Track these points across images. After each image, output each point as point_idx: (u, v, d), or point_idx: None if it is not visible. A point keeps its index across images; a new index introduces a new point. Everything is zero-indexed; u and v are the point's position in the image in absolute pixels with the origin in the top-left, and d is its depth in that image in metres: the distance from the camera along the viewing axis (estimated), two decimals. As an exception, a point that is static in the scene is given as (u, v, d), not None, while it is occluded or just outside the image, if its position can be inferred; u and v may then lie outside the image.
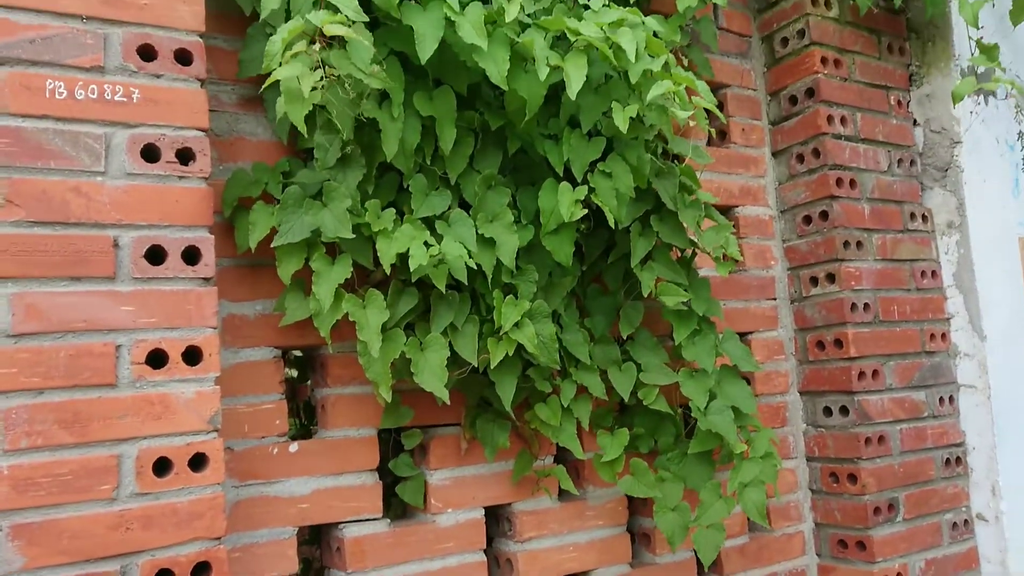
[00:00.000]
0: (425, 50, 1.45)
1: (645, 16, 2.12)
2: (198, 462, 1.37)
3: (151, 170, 1.40)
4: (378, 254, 1.51)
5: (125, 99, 1.40)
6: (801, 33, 2.36)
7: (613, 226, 1.68)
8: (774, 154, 2.46)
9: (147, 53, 1.42)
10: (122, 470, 1.32)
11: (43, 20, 1.35)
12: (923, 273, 2.45)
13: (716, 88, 2.39)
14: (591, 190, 1.65)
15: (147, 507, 1.32)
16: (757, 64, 2.48)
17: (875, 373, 2.28)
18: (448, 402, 1.55)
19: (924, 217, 2.49)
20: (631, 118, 1.61)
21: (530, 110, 1.56)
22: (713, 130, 2.03)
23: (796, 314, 2.39)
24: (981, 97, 2.54)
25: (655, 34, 2.03)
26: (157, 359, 1.37)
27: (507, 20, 1.47)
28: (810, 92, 2.34)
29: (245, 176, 1.59)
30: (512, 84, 1.54)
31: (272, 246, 1.51)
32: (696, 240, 1.90)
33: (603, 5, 1.65)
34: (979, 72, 2.47)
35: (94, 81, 1.38)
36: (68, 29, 1.36)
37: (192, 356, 1.39)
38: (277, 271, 1.54)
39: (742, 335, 2.30)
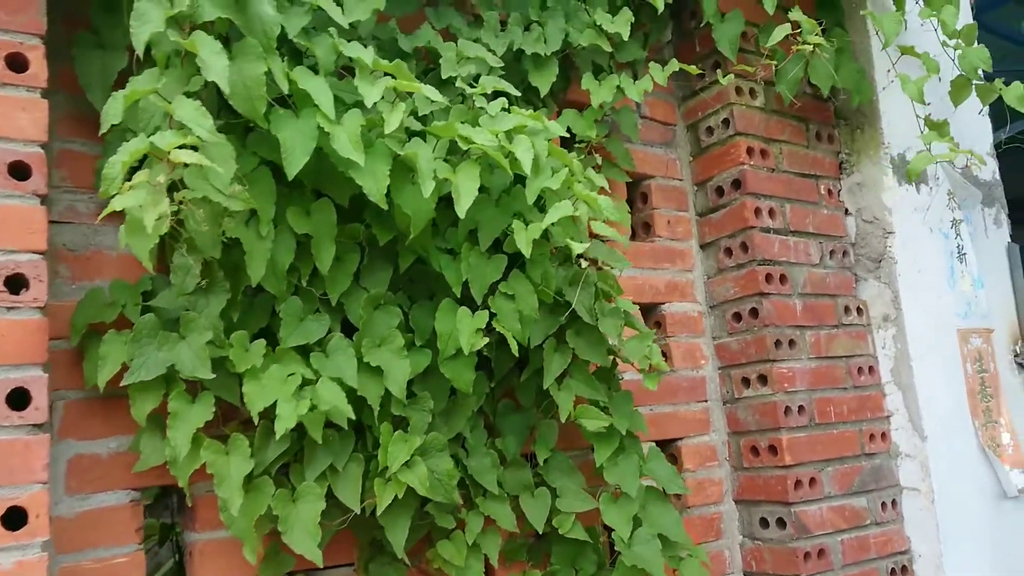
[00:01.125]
0: (293, 164, 1.29)
1: (561, 109, 2.03)
2: (16, 648, 1.16)
3: (-30, 303, 1.22)
4: (244, 399, 1.33)
5: (-57, 221, 1.22)
6: (726, 123, 2.27)
7: (516, 354, 1.52)
8: (702, 246, 2.34)
9: (-26, 168, 1.25)
10: (-84, 667, 1.10)
11: None
12: (860, 369, 2.33)
13: (639, 179, 2.28)
14: (492, 315, 1.50)
15: None
16: (683, 153, 2.38)
17: (812, 481, 2.14)
18: (321, 565, 1.36)
19: (859, 310, 2.39)
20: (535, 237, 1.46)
21: (415, 227, 1.41)
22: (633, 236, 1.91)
23: (729, 416, 2.25)
24: (913, 185, 2.47)
25: (572, 134, 1.93)
26: (-32, 526, 1.17)
27: (388, 131, 1.33)
28: (736, 184, 2.24)
29: (100, 297, 1.41)
30: (396, 199, 1.40)
31: (122, 385, 1.32)
32: (616, 350, 1.76)
33: (502, 109, 1.52)
34: (916, 154, 2.40)
35: (-96, 203, 1.20)
36: None
37: (14, 519, 1.20)
38: (131, 411, 1.35)
39: (671, 441, 2.16)
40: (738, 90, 2.27)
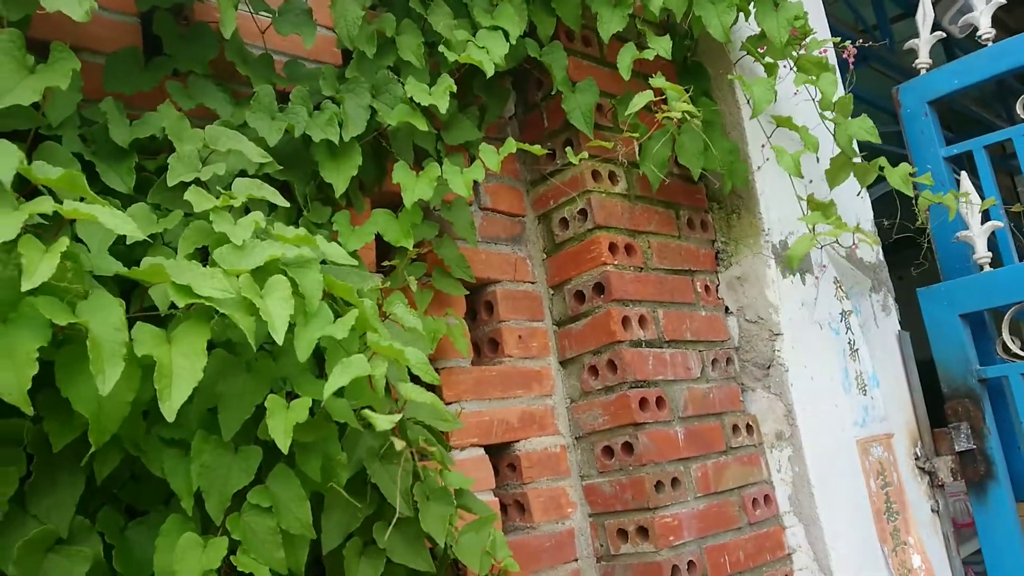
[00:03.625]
0: None
1: (377, 204, 1.58)
2: None
3: None
4: None
5: None
6: (583, 213, 1.87)
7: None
8: (562, 363, 1.91)
9: None
10: None
11: None
12: (755, 501, 1.95)
13: (482, 285, 1.84)
14: (235, 544, 0.99)
15: None
16: (535, 249, 1.96)
17: (709, 658, 1.72)
18: None
19: (749, 427, 2.02)
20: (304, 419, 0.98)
21: (99, 433, 0.89)
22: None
23: (604, 578, 1.81)
24: (798, 276, 2.15)
25: (383, 235, 1.47)
26: None
27: (27, 287, 0.82)
28: (599, 288, 1.84)
29: None
30: (67, 391, 0.88)
31: None
32: (450, 547, 1.28)
33: (255, 233, 1.03)
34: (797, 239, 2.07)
35: None
36: None
37: None
38: None
39: (534, 622, 1.69)
40: (595, 174, 1.88)
